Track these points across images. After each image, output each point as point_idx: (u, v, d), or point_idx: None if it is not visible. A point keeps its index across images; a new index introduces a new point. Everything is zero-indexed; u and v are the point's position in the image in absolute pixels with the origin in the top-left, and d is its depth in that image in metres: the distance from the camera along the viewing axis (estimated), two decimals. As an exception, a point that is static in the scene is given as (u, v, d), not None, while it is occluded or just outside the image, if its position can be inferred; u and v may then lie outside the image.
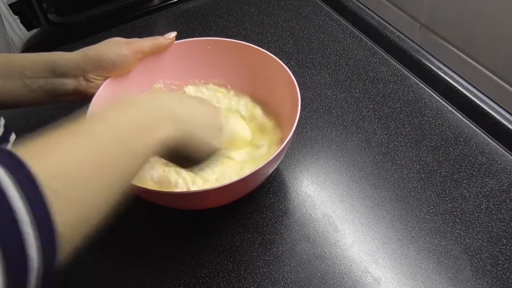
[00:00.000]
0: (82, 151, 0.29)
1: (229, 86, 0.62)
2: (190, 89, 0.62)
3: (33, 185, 0.25)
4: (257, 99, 0.61)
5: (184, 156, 0.40)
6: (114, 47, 0.52)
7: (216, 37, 0.62)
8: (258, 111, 0.59)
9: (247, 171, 0.51)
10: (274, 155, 0.45)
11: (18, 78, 0.48)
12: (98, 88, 0.52)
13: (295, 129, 0.48)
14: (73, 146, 0.29)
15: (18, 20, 0.84)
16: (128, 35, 0.80)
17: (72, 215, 0.27)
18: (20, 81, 0.49)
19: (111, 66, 0.52)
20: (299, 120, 0.49)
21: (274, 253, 0.50)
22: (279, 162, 0.52)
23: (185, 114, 0.39)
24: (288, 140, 0.47)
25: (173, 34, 0.57)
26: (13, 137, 0.49)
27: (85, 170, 0.29)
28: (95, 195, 0.30)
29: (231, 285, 0.48)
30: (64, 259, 0.28)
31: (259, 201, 0.55)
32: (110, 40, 0.52)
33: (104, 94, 0.52)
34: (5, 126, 0.47)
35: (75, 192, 0.28)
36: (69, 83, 0.51)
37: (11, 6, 0.86)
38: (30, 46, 0.79)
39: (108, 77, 0.53)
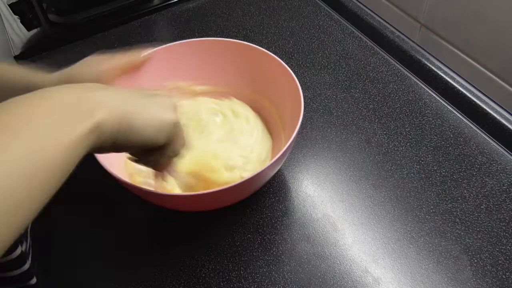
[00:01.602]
0: None
1: (228, 86, 0.62)
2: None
3: None
4: (257, 100, 0.61)
5: (135, 141, 0.36)
6: (89, 67, 0.50)
7: (216, 37, 0.62)
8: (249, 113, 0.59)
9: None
10: (275, 158, 0.45)
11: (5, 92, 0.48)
12: None
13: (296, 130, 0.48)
14: None
15: (18, 20, 0.84)
16: (128, 35, 0.80)
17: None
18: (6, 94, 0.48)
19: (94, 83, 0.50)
20: (299, 120, 0.49)
21: (274, 253, 0.50)
22: (280, 165, 0.51)
23: (119, 96, 0.35)
24: (291, 143, 0.47)
25: (148, 51, 0.56)
26: None
27: (4, 183, 0.26)
28: (20, 209, 0.27)
29: (231, 285, 0.48)
30: None
31: (259, 201, 0.55)
32: (85, 60, 0.51)
33: None
34: None
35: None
36: None
37: (11, 6, 0.86)
38: (30, 46, 0.79)
39: None
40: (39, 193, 0.29)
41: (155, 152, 0.40)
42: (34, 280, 0.45)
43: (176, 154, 0.41)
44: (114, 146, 0.35)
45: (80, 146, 0.31)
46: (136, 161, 0.41)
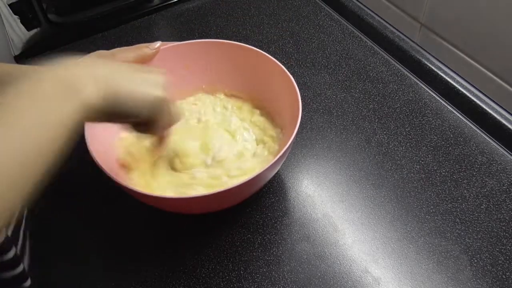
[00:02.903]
0: None
1: (226, 90, 0.62)
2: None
3: None
4: (255, 102, 0.61)
5: (124, 113, 0.38)
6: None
7: (216, 37, 0.62)
8: (256, 112, 0.60)
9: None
10: (275, 159, 0.45)
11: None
12: None
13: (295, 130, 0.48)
14: None
15: (18, 20, 0.84)
16: (128, 35, 0.80)
17: None
18: None
19: None
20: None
21: (274, 253, 0.50)
22: (279, 167, 0.51)
23: (110, 71, 0.36)
24: (290, 144, 0.47)
25: (158, 43, 0.56)
26: None
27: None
28: (18, 186, 0.29)
29: (231, 285, 0.48)
30: None
31: (259, 201, 0.55)
32: (93, 54, 0.51)
33: None
34: None
35: None
36: None
37: (11, 6, 0.86)
38: (30, 46, 0.79)
39: None
40: (32, 171, 0.30)
41: (143, 125, 0.42)
42: (28, 283, 0.45)
43: (163, 129, 0.44)
44: (103, 117, 0.36)
45: (70, 123, 0.32)
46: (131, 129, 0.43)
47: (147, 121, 0.41)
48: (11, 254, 0.42)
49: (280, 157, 0.46)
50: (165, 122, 0.43)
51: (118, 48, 0.53)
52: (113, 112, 0.37)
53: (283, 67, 0.54)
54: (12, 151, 0.29)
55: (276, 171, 0.51)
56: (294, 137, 0.47)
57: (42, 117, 0.31)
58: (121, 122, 0.42)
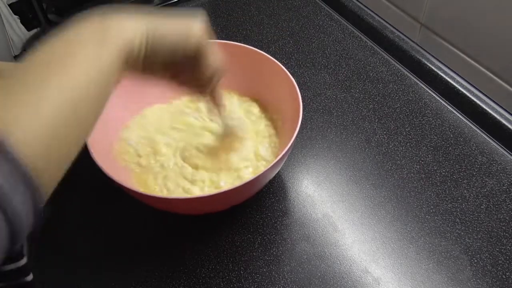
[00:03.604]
0: (52, 100, 0.28)
1: (227, 88, 0.62)
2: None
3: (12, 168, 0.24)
4: (256, 102, 0.61)
5: (168, 50, 0.37)
6: None
7: (216, 37, 0.62)
8: (256, 111, 0.59)
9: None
10: (275, 161, 0.45)
11: None
12: None
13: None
14: (41, 100, 0.28)
15: (18, 20, 0.84)
16: (128, 35, 0.80)
17: (53, 164, 0.28)
18: None
19: None
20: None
21: (274, 253, 0.50)
22: (280, 167, 0.51)
23: (142, 12, 0.36)
24: (291, 145, 0.47)
25: None
26: None
27: (57, 109, 0.28)
28: (75, 135, 0.30)
29: (231, 285, 0.48)
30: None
31: (259, 201, 0.55)
32: None
33: None
34: None
35: (55, 149, 0.28)
36: None
37: (11, 6, 0.86)
38: (30, 46, 0.79)
39: None
40: (84, 122, 0.31)
41: (189, 70, 0.41)
42: (30, 277, 0.45)
43: (213, 73, 0.42)
44: (146, 59, 0.36)
45: (115, 65, 0.32)
46: (178, 84, 0.42)
47: (188, 64, 0.40)
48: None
49: (281, 158, 0.46)
50: (209, 68, 0.42)
51: None
52: (156, 50, 0.36)
53: (283, 67, 0.54)
54: (66, 100, 0.29)
55: (276, 171, 0.51)
56: (295, 138, 0.47)
57: (88, 64, 0.31)
58: (162, 71, 0.40)
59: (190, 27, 0.39)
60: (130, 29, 0.34)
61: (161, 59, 0.38)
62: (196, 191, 0.51)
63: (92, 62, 0.31)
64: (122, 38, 0.33)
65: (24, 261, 0.44)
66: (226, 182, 0.51)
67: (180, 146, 0.55)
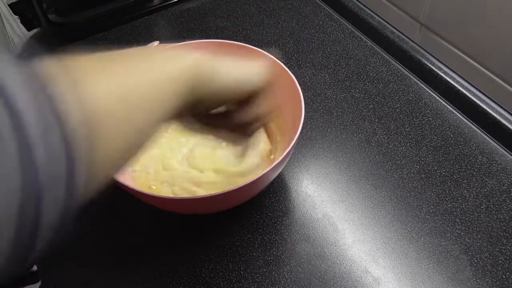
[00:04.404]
0: (135, 77, 0.29)
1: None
2: None
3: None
4: None
5: (213, 95, 0.37)
6: None
7: (216, 37, 0.62)
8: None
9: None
10: (277, 162, 0.45)
11: None
12: None
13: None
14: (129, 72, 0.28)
15: (18, 20, 0.84)
16: (128, 35, 0.80)
17: (110, 150, 0.26)
18: None
19: None
20: (299, 120, 0.49)
21: (274, 253, 0.50)
22: (281, 168, 0.51)
23: (206, 54, 0.36)
24: (292, 146, 0.47)
25: (155, 43, 0.56)
26: None
27: (133, 102, 0.28)
28: (138, 127, 0.29)
29: (231, 285, 0.48)
30: (100, 190, 0.28)
31: (259, 201, 0.55)
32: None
33: None
34: None
35: (118, 127, 0.26)
36: None
37: (11, 6, 0.86)
38: (30, 46, 0.79)
39: None
40: (152, 120, 0.30)
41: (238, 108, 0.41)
42: (34, 268, 0.45)
43: (261, 115, 0.42)
44: (202, 93, 0.35)
45: (181, 81, 0.32)
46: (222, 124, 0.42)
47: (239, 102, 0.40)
48: None
49: (283, 159, 0.46)
50: (259, 108, 0.41)
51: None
52: (211, 84, 0.36)
53: (285, 67, 0.54)
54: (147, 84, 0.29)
55: (278, 172, 0.51)
56: (297, 138, 0.47)
57: (162, 69, 0.32)
58: (206, 108, 0.40)
59: (250, 71, 0.39)
60: (198, 57, 0.34)
61: (213, 96, 0.38)
62: (202, 193, 0.51)
63: (168, 72, 0.32)
64: (192, 59, 0.34)
65: (34, 268, 0.44)
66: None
67: (185, 152, 0.55)
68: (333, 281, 0.48)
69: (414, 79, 0.69)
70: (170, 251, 0.51)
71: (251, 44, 0.58)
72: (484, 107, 0.62)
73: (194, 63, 0.34)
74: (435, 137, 0.61)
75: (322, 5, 0.83)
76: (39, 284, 0.45)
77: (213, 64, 0.36)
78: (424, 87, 0.68)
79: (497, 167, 0.57)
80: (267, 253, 0.50)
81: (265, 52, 0.56)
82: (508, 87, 0.61)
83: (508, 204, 0.53)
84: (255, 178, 0.44)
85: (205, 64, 0.35)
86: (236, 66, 0.38)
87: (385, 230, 0.52)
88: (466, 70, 0.65)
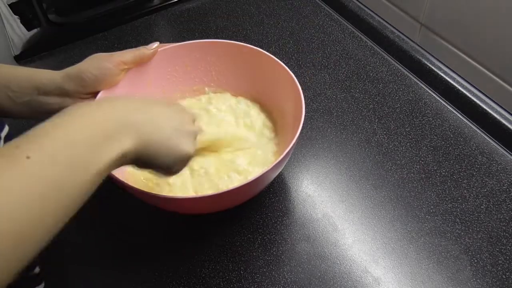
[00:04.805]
0: (17, 178, 0.27)
1: (228, 89, 0.62)
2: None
3: None
4: (256, 102, 0.61)
5: (151, 164, 0.39)
6: (95, 63, 0.51)
7: (216, 37, 0.62)
8: (255, 112, 0.60)
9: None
10: (277, 161, 0.45)
11: (1, 90, 0.48)
12: None
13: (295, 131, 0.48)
14: (7, 178, 0.27)
15: (18, 20, 0.84)
16: (128, 35, 0.80)
17: (7, 248, 0.26)
18: (4, 93, 0.48)
19: (95, 81, 0.50)
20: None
21: (274, 253, 0.50)
22: (282, 168, 0.51)
23: (145, 121, 0.37)
24: (292, 146, 0.47)
25: (155, 44, 0.56)
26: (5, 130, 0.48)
27: (22, 202, 0.27)
28: (36, 219, 0.28)
29: (231, 285, 0.48)
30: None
31: (259, 201, 0.55)
32: (92, 57, 0.51)
33: None
34: None
35: (6, 221, 0.26)
36: (54, 103, 0.49)
37: (11, 6, 0.86)
38: (30, 46, 0.79)
39: (97, 92, 0.52)
40: (59, 216, 0.29)
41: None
42: (37, 270, 0.45)
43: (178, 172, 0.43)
44: (130, 165, 0.37)
45: (105, 173, 0.33)
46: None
47: (166, 170, 0.42)
48: None
49: (283, 158, 0.46)
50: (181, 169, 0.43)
51: (117, 51, 0.53)
52: (141, 162, 0.38)
53: (285, 66, 0.54)
54: (43, 180, 0.28)
55: (278, 172, 0.51)
56: (297, 137, 0.47)
57: (82, 163, 0.31)
58: (145, 169, 0.42)
59: (181, 149, 0.41)
60: (127, 140, 0.34)
61: (144, 167, 0.40)
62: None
63: (88, 167, 0.31)
64: (119, 148, 0.33)
65: (37, 270, 0.44)
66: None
67: None
68: (333, 281, 0.48)
69: (414, 79, 0.69)
70: (170, 251, 0.51)
71: (251, 44, 0.58)
72: (484, 107, 0.62)
73: (119, 159, 0.33)
74: (435, 137, 0.61)
75: (322, 5, 0.83)
76: (42, 285, 0.45)
77: (147, 148, 0.36)
78: (424, 87, 0.68)
79: (497, 167, 0.57)
80: (267, 253, 0.50)
81: (265, 52, 0.57)
82: (508, 87, 0.61)
83: (508, 204, 0.53)
84: (254, 178, 0.44)
85: (137, 151, 0.35)
86: (169, 150, 0.39)
87: (385, 230, 0.52)
88: (466, 70, 0.65)
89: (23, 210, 0.27)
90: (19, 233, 0.26)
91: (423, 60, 0.69)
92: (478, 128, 0.62)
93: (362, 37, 0.77)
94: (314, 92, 0.68)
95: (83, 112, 0.33)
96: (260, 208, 0.54)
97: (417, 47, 0.71)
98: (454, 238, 0.51)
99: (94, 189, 0.32)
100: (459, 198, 0.54)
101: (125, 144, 0.34)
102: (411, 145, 0.60)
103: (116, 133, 0.33)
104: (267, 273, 0.49)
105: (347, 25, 0.79)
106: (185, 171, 0.53)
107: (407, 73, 0.70)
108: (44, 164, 0.28)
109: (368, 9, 0.78)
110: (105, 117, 0.34)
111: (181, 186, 0.52)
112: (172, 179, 0.53)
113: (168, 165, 0.40)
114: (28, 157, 0.28)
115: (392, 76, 0.70)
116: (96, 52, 0.52)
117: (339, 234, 0.51)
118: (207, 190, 0.52)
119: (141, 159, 0.37)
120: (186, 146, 0.41)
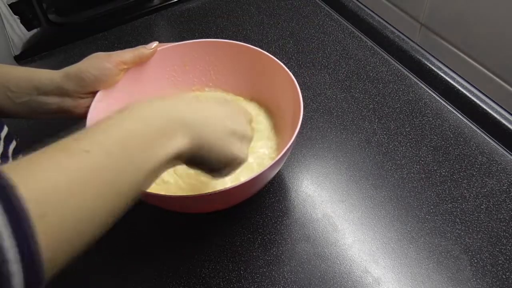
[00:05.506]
0: (75, 171, 0.28)
1: (227, 88, 0.62)
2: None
3: (21, 217, 0.24)
4: (255, 102, 0.61)
5: (202, 164, 0.38)
6: (95, 62, 0.51)
7: (216, 37, 0.62)
8: (254, 112, 0.60)
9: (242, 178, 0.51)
10: (275, 160, 0.45)
11: (0, 90, 0.48)
12: (85, 107, 0.51)
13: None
14: (65, 167, 0.27)
15: (18, 20, 0.84)
16: (128, 35, 0.80)
17: (62, 235, 0.27)
18: (3, 93, 0.48)
19: (94, 81, 0.50)
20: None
21: (274, 253, 0.50)
22: (280, 167, 0.51)
23: (200, 121, 0.36)
24: (291, 144, 0.47)
25: (155, 43, 0.56)
26: (13, 144, 0.48)
27: (78, 192, 0.27)
28: (90, 214, 0.29)
29: (231, 285, 0.48)
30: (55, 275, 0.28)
31: (259, 201, 0.55)
32: (91, 56, 0.51)
33: (99, 106, 0.52)
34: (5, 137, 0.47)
35: (66, 214, 0.27)
36: (53, 103, 0.49)
37: (11, 6, 0.86)
38: (30, 46, 0.79)
39: (96, 92, 0.52)
40: (108, 212, 0.31)
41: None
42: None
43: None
44: (182, 163, 0.37)
45: (158, 172, 0.33)
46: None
47: (217, 171, 0.41)
48: None
49: (281, 157, 0.46)
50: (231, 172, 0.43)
51: (117, 51, 0.53)
52: (193, 162, 0.37)
53: (285, 67, 0.54)
54: (103, 184, 0.29)
55: (277, 171, 0.51)
56: (296, 136, 0.47)
57: (137, 161, 0.31)
58: (195, 168, 0.41)
59: (235, 159, 0.40)
60: (182, 139, 0.34)
61: (195, 166, 0.39)
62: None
63: (142, 166, 0.32)
64: (174, 146, 0.34)
65: None
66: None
67: None
68: (333, 281, 0.48)
69: (414, 79, 0.69)
70: (170, 251, 0.51)
71: (251, 44, 0.58)
72: (484, 107, 0.62)
73: (173, 159, 0.34)
74: (435, 137, 0.61)
75: (322, 5, 0.83)
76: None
77: (201, 150, 0.36)
78: (424, 87, 0.68)
79: (497, 167, 0.57)
80: (267, 253, 0.50)
81: (263, 52, 0.57)
82: (508, 87, 0.61)
83: (508, 204, 0.53)
84: (254, 176, 0.44)
85: (191, 152, 0.35)
86: (221, 154, 0.38)
87: (385, 230, 0.52)
88: (466, 70, 0.65)
89: (74, 198, 0.27)
90: (72, 228, 0.28)
91: (423, 60, 0.69)
92: (478, 128, 0.62)
93: (362, 37, 0.77)
94: (314, 92, 0.68)
95: (140, 110, 0.34)
96: (260, 208, 0.54)
97: (417, 47, 0.71)
98: (454, 238, 0.51)
99: (146, 188, 0.33)
100: (459, 198, 0.54)
101: (181, 143, 0.34)
102: (411, 145, 0.60)
103: (171, 131, 0.34)
104: (267, 273, 0.49)
105: (347, 25, 0.79)
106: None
107: (407, 73, 0.70)
108: (101, 158, 0.29)
109: (368, 9, 0.78)
110: (160, 115, 0.34)
111: (174, 184, 0.52)
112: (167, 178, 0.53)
113: (218, 167, 0.39)
114: (87, 151, 0.28)
115: (392, 76, 0.70)
116: (96, 52, 0.52)
117: (339, 234, 0.51)
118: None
119: (194, 159, 0.37)
120: (239, 151, 0.40)
